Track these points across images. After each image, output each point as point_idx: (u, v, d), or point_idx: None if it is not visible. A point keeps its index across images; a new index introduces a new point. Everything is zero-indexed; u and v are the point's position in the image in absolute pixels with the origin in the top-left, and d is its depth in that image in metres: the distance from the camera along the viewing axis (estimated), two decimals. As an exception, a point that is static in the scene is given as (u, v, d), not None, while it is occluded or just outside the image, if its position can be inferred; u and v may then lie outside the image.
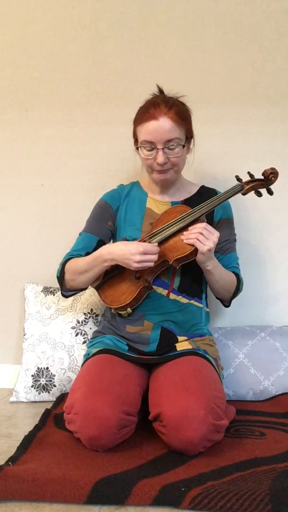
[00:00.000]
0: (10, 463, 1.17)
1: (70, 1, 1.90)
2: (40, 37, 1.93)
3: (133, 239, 1.52)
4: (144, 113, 1.46)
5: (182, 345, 1.48)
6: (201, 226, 1.41)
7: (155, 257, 1.39)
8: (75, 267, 1.51)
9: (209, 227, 1.42)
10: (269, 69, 1.86)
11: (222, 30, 1.86)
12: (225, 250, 1.58)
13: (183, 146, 1.47)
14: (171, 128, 1.43)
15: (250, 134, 1.87)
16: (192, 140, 1.56)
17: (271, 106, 1.86)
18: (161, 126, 1.43)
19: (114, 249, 1.42)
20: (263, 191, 1.54)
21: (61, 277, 1.54)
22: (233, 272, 1.58)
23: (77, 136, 1.94)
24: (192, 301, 1.54)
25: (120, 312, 1.51)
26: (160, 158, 1.44)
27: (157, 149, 1.44)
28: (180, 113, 1.46)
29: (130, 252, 1.37)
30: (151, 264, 1.39)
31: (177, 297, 1.51)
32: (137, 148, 1.52)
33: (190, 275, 1.51)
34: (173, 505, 1.03)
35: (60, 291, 1.60)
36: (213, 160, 1.88)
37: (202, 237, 1.39)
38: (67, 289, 1.57)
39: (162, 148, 1.44)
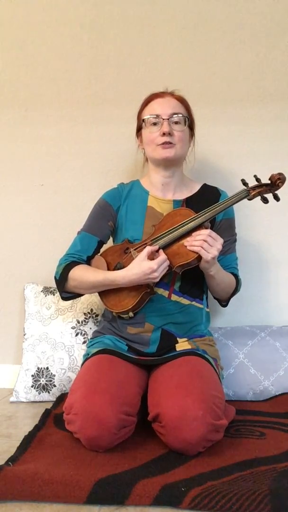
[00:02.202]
0: (10, 463, 1.17)
1: (70, 1, 1.90)
2: (40, 37, 1.93)
3: (135, 240, 1.52)
4: (150, 96, 1.56)
5: (182, 345, 1.48)
6: (206, 233, 1.38)
7: (167, 262, 1.40)
8: (82, 280, 1.49)
9: (213, 234, 1.39)
10: (269, 69, 1.86)
11: (222, 30, 1.86)
12: (226, 251, 1.57)
13: (186, 125, 1.52)
14: (176, 105, 1.53)
15: (250, 134, 1.87)
16: (193, 137, 1.60)
17: (271, 106, 1.86)
18: (167, 101, 1.52)
19: (128, 274, 1.40)
20: (269, 196, 1.49)
21: (60, 280, 1.53)
22: (232, 273, 1.58)
23: (77, 136, 1.94)
24: (193, 302, 1.53)
25: (122, 316, 1.51)
26: (166, 127, 1.48)
27: (163, 120, 1.49)
28: (184, 99, 1.56)
29: (145, 273, 1.37)
30: (167, 268, 1.41)
31: (178, 298, 1.51)
32: (139, 134, 1.57)
33: (191, 276, 1.50)
34: (173, 505, 1.03)
35: (59, 294, 1.57)
36: (213, 160, 1.88)
37: (207, 245, 1.37)
38: (67, 292, 1.56)
39: (168, 119, 1.49)
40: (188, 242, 1.41)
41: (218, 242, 1.39)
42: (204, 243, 1.37)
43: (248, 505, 0.99)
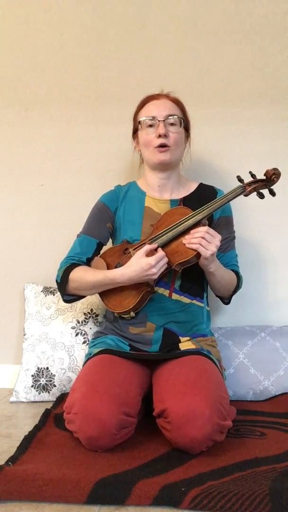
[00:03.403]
0: (10, 463, 1.17)
1: (70, 1, 1.90)
2: (40, 37, 1.93)
3: (134, 240, 1.52)
4: (146, 98, 1.57)
5: (185, 345, 1.48)
6: (203, 230, 1.39)
7: (166, 259, 1.40)
8: (82, 281, 1.49)
9: (211, 231, 1.40)
10: (269, 69, 1.86)
11: (222, 30, 1.86)
12: (225, 248, 1.58)
13: (181, 127, 1.53)
14: (172, 106, 1.53)
15: (250, 134, 1.87)
16: (189, 138, 1.60)
17: (271, 106, 1.86)
18: (163, 103, 1.53)
19: (127, 272, 1.40)
20: (265, 192, 1.51)
21: (62, 282, 1.53)
22: (233, 270, 1.58)
23: (77, 136, 1.94)
24: (194, 301, 1.53)
25: (124, 316, 1.51)
26: (162, 129, 1.49)
27: (158, 121, 1.49)
28: (179, 101, 1.57)
29: (143, 269, 1.37)
30: (166, 265, 1.40)
31: (179, 297, 1.51)
32: (135, 136, 1.57)
33: (191, 274, 1.51)
34: (173, 505, 1.02)
35: (61, 297, 1.58)
36: (213, 160, 1.88)
37: (205, 242, 1.37)
38: (69, 294, 1.57)
39: (163, 120, 1.50)
40: (186, 240, 1.41)
41: (216, 239, 1.39)
42: (202, 240, 1.38)
43: (248, 505, 0.99)
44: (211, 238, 1.38)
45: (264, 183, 1.49)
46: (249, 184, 1.48)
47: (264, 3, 1.84)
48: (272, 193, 1.51)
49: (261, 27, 1.84)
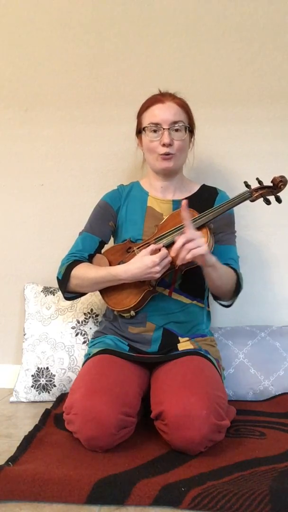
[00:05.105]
0: (10, 463, 1.17)
1: (70, 1, 1.90)
2: (40, 37, 1.93)
3: (136, 240, 1.52)
4: (151, 100, 1.53)
5: (184, 345, 1.48)
6: (180, 244, 1.30)
7: (170, 258, 1.39)
8: (84, 278, 1.49)
9: (188, 237, 1.31)
10: (269, 69, 1.86)
11: (221, 30, 1.86)
12: (222, 240, 1.55)
13: (186, 133, 1.51)
14: (177, 111, 1.49)
15: (250, 134, 1.87)
16: (193, 138, 1.59)
17: (271, 106, 1.86)
18: (168, 107, 1.49)
19: (130, 268, 1.40)
20: (272, 198, 1.51)
21: (63, 279, 1.53)
22: (231, 267, 1.52)
23: (77, 136, 1.94)
24: (194, 302, 1.53)
25: (123, 315, 1.51)
26: (166, 138, 1.47)
27: (163, 129, 1.47)
28: (185, 103, 1.54)
29: (147, 266, 1.37)
30: (169, 265, 1.40)
31: (179, 297, 1.51)
32: (139, 136, 1.56)
33: (191, 274, 1.50)
34: (173, 505, 1.02)
35: (62, 294, 1.58)
36: (213, 160, 1.88)
37: (194, 250, 1.30)
38: (69, 292, 1.57)
39: (168, 128, 1.47)
40: (179, 259, 1.33)
41: (196, 240, 1.31)
42: (188, 253, 1.30)
43: (248, 505, 0.99)
44: (194, 243, 1.31)
45: (271, 190, 1.49)
46: (256, 190, 1.48)
47: (264, 3, 1.84)
48: (279, 200, 1.50)
49: (261, 27, 1.84)
